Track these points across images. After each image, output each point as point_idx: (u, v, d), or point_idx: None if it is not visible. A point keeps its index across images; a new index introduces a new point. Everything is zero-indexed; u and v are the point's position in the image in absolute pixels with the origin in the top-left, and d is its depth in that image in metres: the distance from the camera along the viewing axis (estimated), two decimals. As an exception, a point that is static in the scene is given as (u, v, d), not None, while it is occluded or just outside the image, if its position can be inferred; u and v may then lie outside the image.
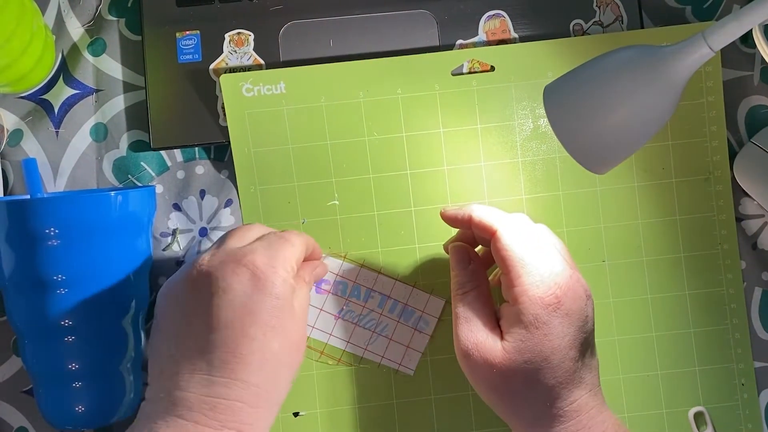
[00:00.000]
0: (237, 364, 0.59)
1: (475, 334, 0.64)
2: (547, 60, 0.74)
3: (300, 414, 0.73)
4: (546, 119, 0.71)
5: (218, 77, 0.74)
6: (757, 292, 0.75)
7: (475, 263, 0.68)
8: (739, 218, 0.75)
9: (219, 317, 0.59)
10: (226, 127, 0.73)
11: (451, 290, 0.68)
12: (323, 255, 0.73)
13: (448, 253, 0.70)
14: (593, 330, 0.64)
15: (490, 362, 0.63)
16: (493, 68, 0.74)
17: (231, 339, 0.59)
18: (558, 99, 0.61)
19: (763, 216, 0.75)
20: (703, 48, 0.56)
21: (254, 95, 0.73)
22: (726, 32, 0.55)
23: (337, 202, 0.74)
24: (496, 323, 0.65)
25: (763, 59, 0.74)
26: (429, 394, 0.74)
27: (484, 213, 0.66)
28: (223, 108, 0.74)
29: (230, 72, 0.74)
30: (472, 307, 0.66)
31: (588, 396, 0.62)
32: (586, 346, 0.63)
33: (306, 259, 0.67)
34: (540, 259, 0.63)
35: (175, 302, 0.62)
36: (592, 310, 0.64)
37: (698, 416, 0.74)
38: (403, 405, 0.73)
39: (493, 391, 0.63)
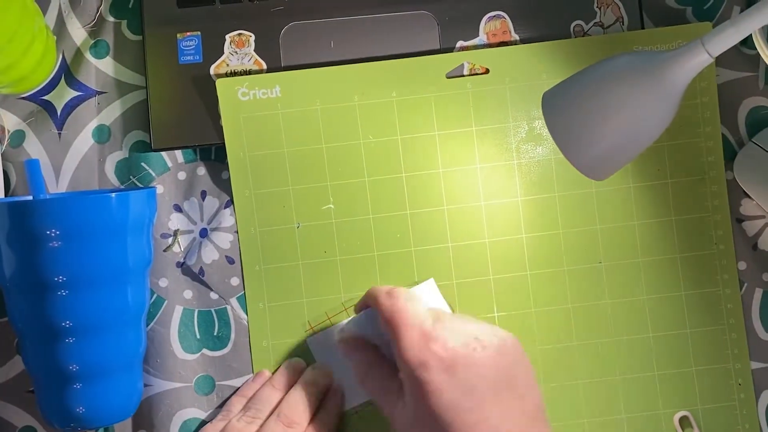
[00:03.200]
0: None
1: (386, 405, 0.64)
2: (543, 62, 0.72)
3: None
4: (541, 121, 0.72)
5: (218, 79, 0.72)
6: (758, 293, 0.73)
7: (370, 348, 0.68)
8: (740, 219, 0.74)
9: None
10: (227, 128, 0.72)
11: (359, 381, 0.67)
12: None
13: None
14: (505, 374, 0.60)
15: (399, 426, 0.62)
16: (488, 71, 0.72)
17: None
18: (557, 106, 0.60)
19: (764, 217, 0.74)
20: (701, 54, 0.55)
21: (250, 99, 0.72)
22: (724, 38, 0.54)
23: (332, 206, 0.72)
24: (399, 389, 0.63)
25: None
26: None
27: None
28: (224, 109, 0.73)
29: (231, 73, 0.73)
30: (374, 385, 0.66)
31: None
32: (490, 392, 0.59)
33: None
34: (421, 312, 0.63)
35: None
36: (496, 354, 0.61)
37: (684, 420, 0.72)
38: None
39: None
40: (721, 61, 0.73)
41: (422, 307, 0.63)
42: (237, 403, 0.70)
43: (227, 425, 0.67)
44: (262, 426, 0.67)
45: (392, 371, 0.64)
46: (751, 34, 0.67)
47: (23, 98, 0.74)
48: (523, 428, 0.59)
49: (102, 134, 0.74)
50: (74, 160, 0.73)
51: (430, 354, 0.60)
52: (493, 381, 0.60)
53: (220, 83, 0.72)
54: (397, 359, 0.62)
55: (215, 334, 0.72)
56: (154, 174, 0.73)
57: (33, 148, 0.73)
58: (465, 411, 0.58)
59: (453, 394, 0.59)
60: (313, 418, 0.68)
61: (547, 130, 0.69)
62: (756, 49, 0.71)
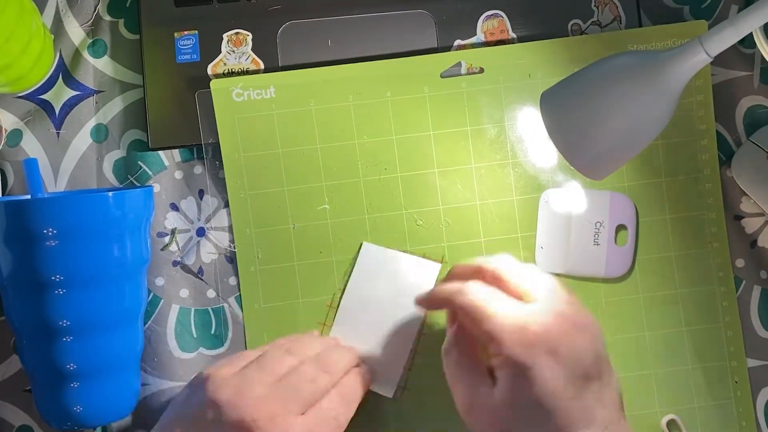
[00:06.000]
0: None
1: (467, 391, 0.59)
2: (538, 61, 0.71)
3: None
4: (537, 120, 0.69)
5: (212, 80, 0.71)
6: (756, 291, 0.72)
7: (458, 324, 0.63)
8: (739, 216, 0.72)
9: None
10: (224, 127, 0.71)
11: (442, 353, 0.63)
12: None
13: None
14: (599, 362, 0.58)
15: (488, 414, 0.58)
16: (482, 70, 0.71)
17: None
18: (555, 105, 0.60)
19: (763, 215, 0.72)
20: (700, 53, 0.54)
21: (244, 100, 0.70)
22: (723, 38, 0.54)
23: (327, 207, 0.71)
24: (487, 376, 0.59)
25: (763, 59, 0.72)
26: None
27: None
28: (221, 108, 0.71)
29: (229, 72, 0.71)
30: (457, 366, 0.61)
31: None
32: (586, 380, 0.57)
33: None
34: (504, 299, 0.59)
35: None
36: (592, 342, 0.58)
37: (672, 424, 0.71)
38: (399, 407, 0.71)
39: None
40: (718, 60, 0.72)
41: (505, 295, 0.60)
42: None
43: (265, 352, 0.64)
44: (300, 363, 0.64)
45: (475, 358, 0.61)
46: (750, 33, 0.67)
47: (20, 97, 0.72)
48: (614, 417, 0.58)
49: (100, 133, 0.72)
50: (73, 159, 0.72)
51: (533, 338, 0.56)
52: (589, 369, 0.57)
53: (214, 84, 0.71)
54: (490, 346, 0.58)
55: (212, 332, 0.71)
56: (150, 173, 0.72)
57: (31, 147, 0.72)
58: (567, 398, 0.56)
59: (557, 380, 0.56)
60: (344, 379, 0.65)
61: (548, 134, 0.68)
62: (753, 48, 0.71)
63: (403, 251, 0.70)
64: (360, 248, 0.70)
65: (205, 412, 0.59)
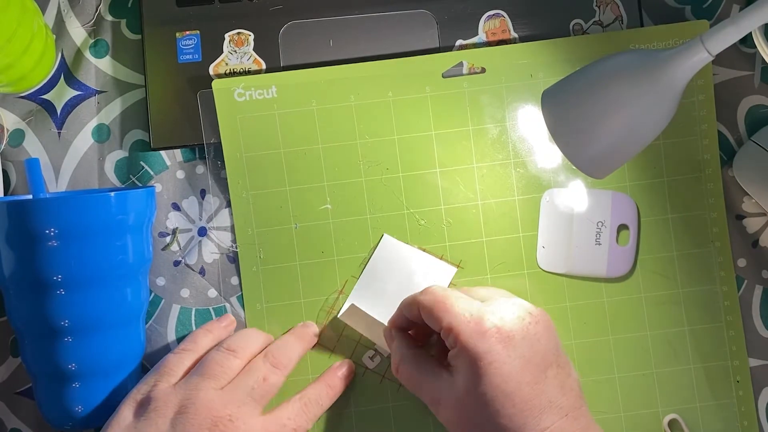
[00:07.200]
0: None
1: (431, 387, 0.62)
2: (538, 61, 0.71)
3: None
4: (538, 120, 0.69)
5: (214, 80, 0.71)
6: (758, 290, 0.72)
7: (409, 336, 0.67)
8: (741, 216, 0.72)
9: None
10: (226, 127, 0.71)
11: (393, 369, 0.66)
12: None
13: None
14: (555, 350, 0.60)
15: (453, 405, 0.60)
16: (484, 70, 0.71)
17: None
18: (556, 104, 0.59)
19: (765, 214, 0.72)
20: (701, 52, 0.54)
21: (246, 99, 0.70)
22: (724, 36, 0.53)
23: (329, 206, 0.71)
24: (445, 369, 0.62)
25: (764, 59, 0.71)
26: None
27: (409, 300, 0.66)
28: (223, 108, 0.71)
29: (231, 72, 0.71)
30: (416, 370, 0.63)
31: (564, 421, 0.58)
32: (543, 366, 0.59)
33: None
34: (464, 297, 0.62)
35: None
36: (547, 330, 0.61)
37: (674, 423, 0.71)
38: (399, 408, 0.71)
39: (461, 429, 0.60)
40: (719, 59, 0.72)
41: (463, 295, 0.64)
42: (203, 338, 0.68)
43: (207, 357, 0.65)
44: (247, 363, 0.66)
45: (431, 357, 0.64)
46: (750, 33, 0.67)
47: (22, 97, 0.72)
48: (576, 404, 0.59)
49: (101, 133, 0.72)
50: (74, 159, 0.72)
51: (488, 326, 0.59)
52: (546, 355, 0.59)
53: (216, 84, 0.70)
54: (448, 338, 0.60)
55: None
56: (152, 173, 0.72)
57: (33, 147, 0.72)
58: (525, 383, 0.58)
59: (513, 365, 0.58)
60: (312, 385, 0.68)
61: (544, 129, 0.68)
62: (754, 47, 0.71)
63: (423, 249, 0.70)
64: (380, 239, 0.70)
65: None
